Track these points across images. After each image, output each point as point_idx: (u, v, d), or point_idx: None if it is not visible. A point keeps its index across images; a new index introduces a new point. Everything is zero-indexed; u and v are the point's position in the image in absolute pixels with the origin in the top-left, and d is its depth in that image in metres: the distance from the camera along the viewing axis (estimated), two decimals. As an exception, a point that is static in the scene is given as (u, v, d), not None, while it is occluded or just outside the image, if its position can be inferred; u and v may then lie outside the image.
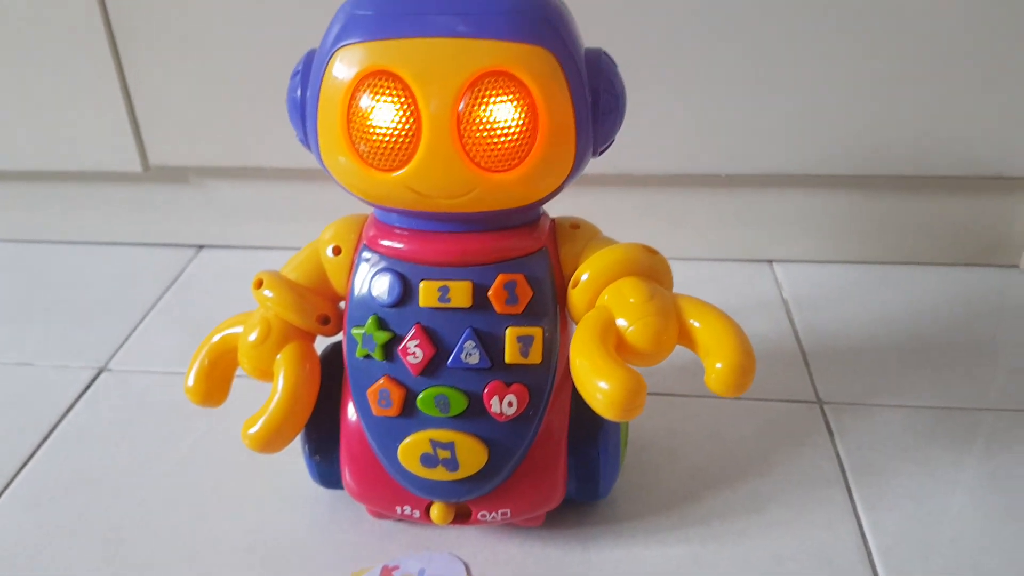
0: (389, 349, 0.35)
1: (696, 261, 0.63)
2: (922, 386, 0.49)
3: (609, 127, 0.34)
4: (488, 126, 0.31)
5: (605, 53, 0.34)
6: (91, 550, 0.41)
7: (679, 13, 0.53)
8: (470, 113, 0.31)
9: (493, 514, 0.37)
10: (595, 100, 0.33)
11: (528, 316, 0.35)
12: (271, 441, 0.36)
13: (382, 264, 0.35)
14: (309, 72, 0.33)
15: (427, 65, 0.30)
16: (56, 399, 0.51)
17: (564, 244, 0.37)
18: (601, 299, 0.34)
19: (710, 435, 0.46)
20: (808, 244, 0.62)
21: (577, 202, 0.60)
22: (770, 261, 0.63)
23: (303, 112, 0.34)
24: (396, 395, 0.35)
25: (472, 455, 0.36)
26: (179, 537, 0.41)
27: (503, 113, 0.31)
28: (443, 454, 0.35)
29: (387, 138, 0.31)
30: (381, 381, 0.35)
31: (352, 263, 0.37)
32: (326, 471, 0.40)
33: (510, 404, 0.35)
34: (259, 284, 0.37)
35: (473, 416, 0.35)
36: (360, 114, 0.31)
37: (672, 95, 0.55)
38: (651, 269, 0.35)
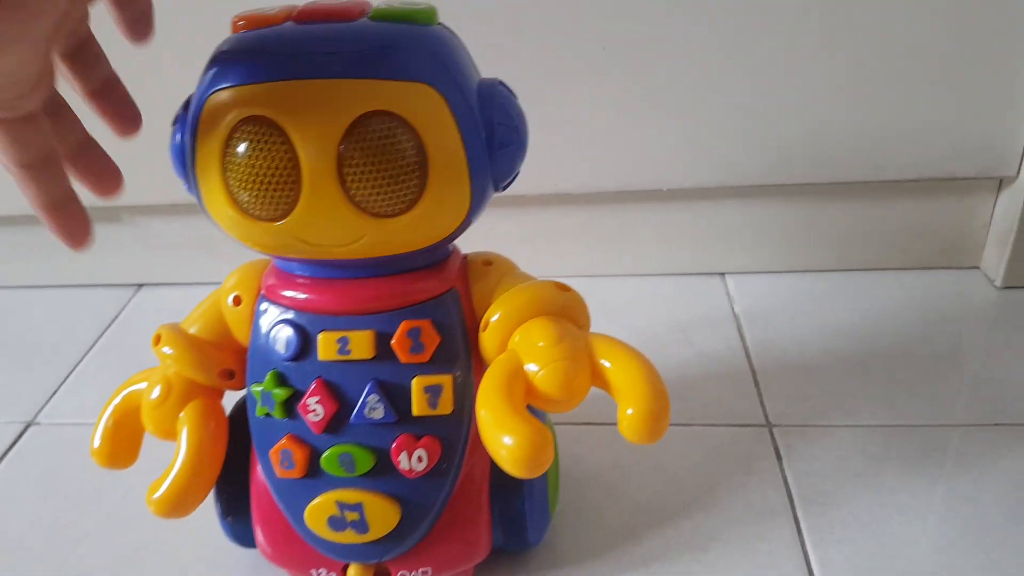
0: (290, 406, 0.33)
1: (646, 277, 0.61)
2: (877, 402, 0.48)
3: (509, 160, 0.32)
4: (372, 171, 0.29)
5: (501, 83, 0.32)
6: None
7: (609, 28, 0.51)
8: (351, 158, 0.29)
9: (414, 573, 0.35)
10: (490, 134, 0.31)
11: (436, 364, 0.33)
12: (177, 505, 0.34)
13: (280, 316, 0.33)
14: (187, 117, 0.31)
15: (303, 109, 0.28)
16: (-22, 459, 0.49)
17: (476, 283, 0.35)
18: (511, 342, 0.32)
19: (654, 467, 0.44)
20: (761, 255, 0.60)
21: (519, 223, 0.58)
22: (722, 274, 0.61)
23: (183, 160, 0.32)
24: (299, 455, 0.33)
25: (383, 515, 0.33)
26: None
27: (387, 156, 0.29)
28: (351, 516, 0.33)
29: (266, 187, 0.29)
30: (283, 441, 0.33)
31: (253, 314, 0.34)
32: (241, 531, 0.38)
33: (420, 459, 0.33)
34: (157, 340, 0.35)
35: (382, 474, 0.33)
36: (236, 162, 0.29)
37: (606, 111, 0.54)
38: (564, 308, 0.33)
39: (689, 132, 0.54)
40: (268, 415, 0.33)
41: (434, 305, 0.33)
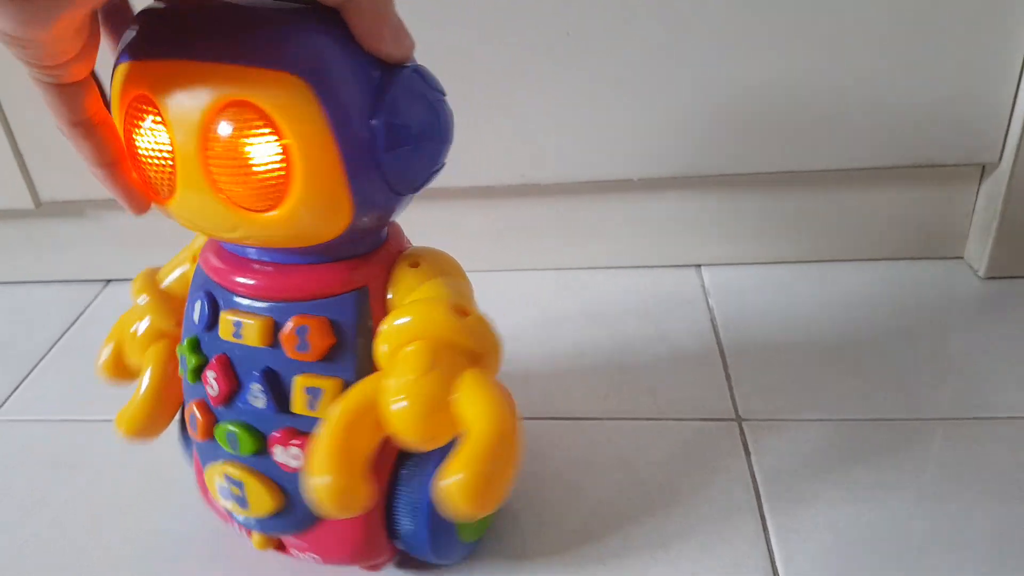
0: (198, 374, 0.33)
1: (620, 270, 0.59)
2: (852, 396, 0.46)
3: (404, 163, 0.29)
4: (229, 164, 0.27)
5: (416, 72, 0.29)
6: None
7: (573, 13, 0.49)
8: (214, 148, 0.27)
9: (304, 555, 0.35)
10: (382, 133, 0.27)
11: (324, 364, 0.31)
12: (143, 426, 0.36)
13: (202, 284, 0.33)
14: None
15: (175, 91, 0.27)
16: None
17: (396, 284, 0.32)
18: (388, 363, 0.30)
19: (619, 463, 0.43)
20: (737, 246, 0.58)
21: (487, 216, 0.57)
22: (698, 266, 0.59)
23: None
24: (201, 421, 0.33)
25: (261, 497, 0.33)
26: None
27: (253, 149, 0.27)
28: (235, 490, 0.34)
29: (151, 165, 0.29)
30: (193, 403, 0.34)
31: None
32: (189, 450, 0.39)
33: (295, 457, 0.32)
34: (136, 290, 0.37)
35: (263, 458, 0.33)
36: (133, 138, 0.29)
37: (574, 100, 0.52)
38: (456, 333, 0.29)
39: (660, 120, 0.52)
40: (187, 377, 0.34)
41: (333, 304, 0.31)
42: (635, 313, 0.55)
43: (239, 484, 0.33)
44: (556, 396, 0.48)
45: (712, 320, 0.53)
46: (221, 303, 0.32)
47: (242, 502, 0.33)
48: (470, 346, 0.29)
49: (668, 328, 0.53)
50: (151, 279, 0.37)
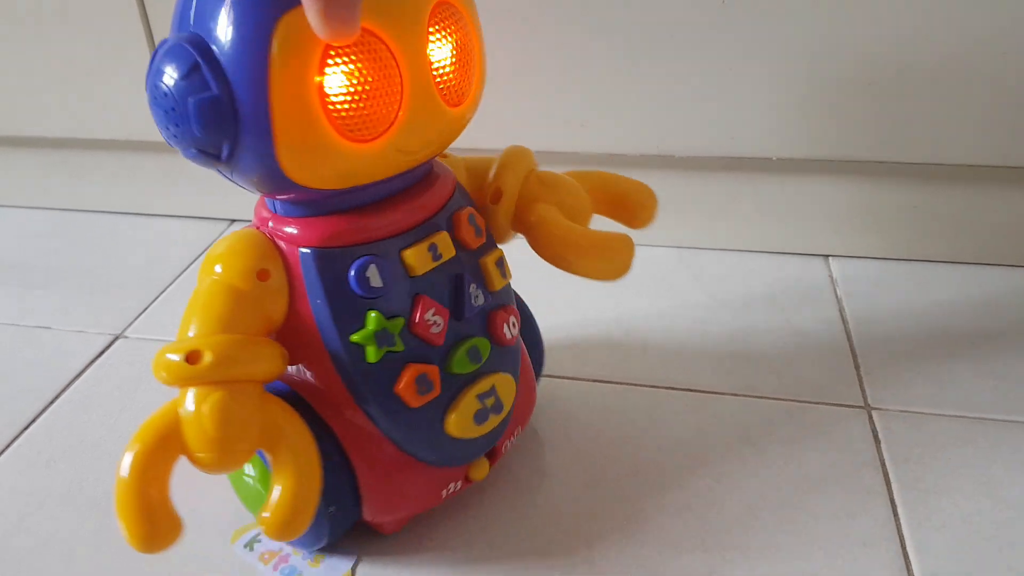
0: (405, 334, 0.32)
1: (743, 253, 0.58)
2: (987, 395, 0.44)
3: None
4: (447, 59, 0.30)
5: None
6: (81, 517, 0.39)
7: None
8: (438, 49, 0.30)
9: (511, 440, 0.38)
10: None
11: (489, 239, 0.36)
12: (294, 524, 0.30)
13: (351, 256, 0.31)
14: (220, 61, 0.26)
15: (390, 11, 0.28)
16: (68, 363, 0.50)
17: (460, 170, 0.38)
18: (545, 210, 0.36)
19: (742, 438, 0.42)
20: (870, 239, 0.57)
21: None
22: (826, 256, 0.58)
23: (233, 113, 0.27)
24: (432, 374, 0.32)
25: (507, 388, 0.36)
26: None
27: (450, 45, 0.30)
28: (489, 401, 0.35)
29: (374, 101, 0.28)
30: (408, 371, 0.32)
31: (288, 280, 0.31)
32: (340, 519, 0.35)
33: (514, 324, 0.36)
34: (197, 358, 0.28)
35: (494, 354, 0.35)
36: (338, 84, 0.27)
37: (720, 70, 0.51)
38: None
39: (806, 98, 0.51)
40: (389, 352, 0.31)
41: (460, 194, 0.35)
42: (759, 296, 0.54)
43: (490, 393, 0.35)
44: (675, 368, 0.48)
45: (840, 310, 0.52)
46: (391, 252, 0.31)
47: (497, 408, 0.35)
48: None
49: (793, 314, 0.52)
50: (220, 336, 0.29)
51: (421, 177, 0.34)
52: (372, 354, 0.31)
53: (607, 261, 0.35)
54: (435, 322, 0.32)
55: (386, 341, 0.31)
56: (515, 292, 0.40)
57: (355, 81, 0.27)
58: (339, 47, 0.27)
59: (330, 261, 0.31)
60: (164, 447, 0.28)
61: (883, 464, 0.40)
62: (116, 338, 0.53)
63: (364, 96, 0.28)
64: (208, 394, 0.28)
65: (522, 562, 0.36)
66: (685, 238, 0.59)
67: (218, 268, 0.31)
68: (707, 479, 0.40)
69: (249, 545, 0.37)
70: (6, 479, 0.42)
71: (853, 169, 0.54)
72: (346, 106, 0.27)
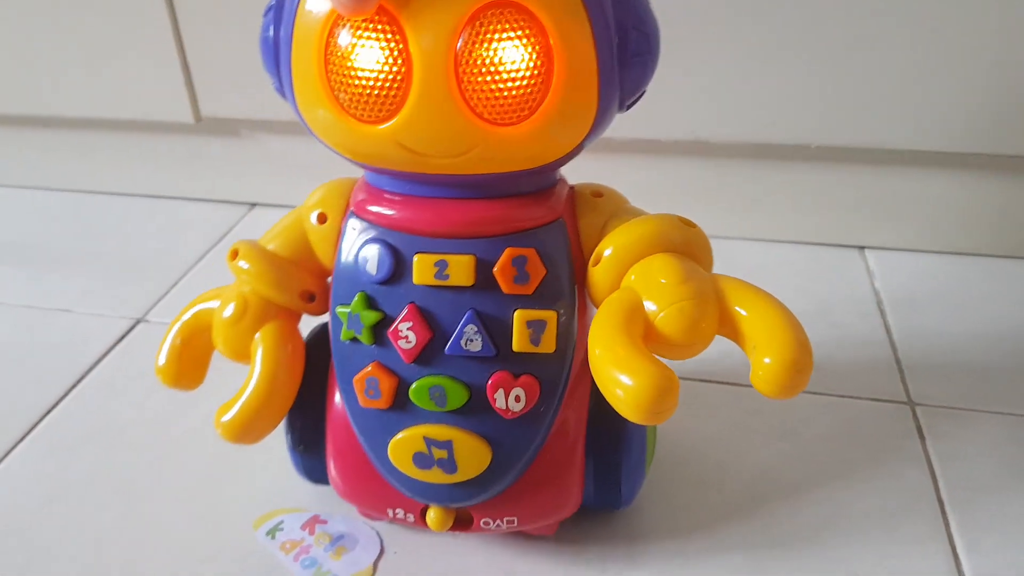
0: (378, 332, 0.30)
1: (776, 243, 0.57)
2: (1035, 394, 0.43)
3: (639, 74, 0.28)
4: (492, 69, 0.26)
5: None
6: (104, 502, 0.39)
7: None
8: (470, 53, 0.26)
9: (498, 522, 0.33)
10: (622, 40, 0.27)
11: (540, 297, 0.30)
12: (246, 430, 0.32)
13: (371, 234, 0.30)
14: (283, 7, 0.28)
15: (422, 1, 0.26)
16: (89, 347, 0.50)
17: (584, 215, 0.31)
18: (627, 280, 0.29)
19: (783, 432, 0.41)
20: (906, 231, 0.55)
21: (644, 171, 0.55)
22: (861, 248, 0.56)
23: (277, 55, 0.29)
24: (385, 384, 0.30)
25: (473, 456, 0.31)
26: (190, 495, 0.39)
27: (510, 53, 0.26)
28: (439, 453, 0.31)
29: (372, 83, 0.26)
30: (369, 368, 0.31)
31: (339, 232, 0.32)
32: (311, 464, 0.36)
33: (518, 399, 0.30)
34: (234, 255, 0.33)
35: (474, 411, 0.30)
36: (339, 54, 0.26)
37: (755, 54, 0.49)
38: (686, 245, 0.30)
39: (846, 85, 0.49)
40: (355, 339, 0.31)
41: (540, 234, 0.30)
42: (794, 288, 0.52)
43: (445, 445, 0.31)
44: (711, 360, 0.46)
45: (879, 303, 0.51)
46: (406, 249, 0.30)
47: (448, 466, 0.31)
48: (697, 255, 0.29)
49: (830, 307, 0.51)
50: (257, 245, 0.33)
51: (503, 195, 0.30)
52: (344, 332, 0.31)
53: (610, 393, 0.27)
54: (407, 336, 0.30)
55: (354, 326, 0.31)
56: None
57: (351, 54, 0.26)
58: (349, 19, 0.26)
59: (354, 229, 0.31)
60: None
61: (929, 461, 0.39)
62: (137, 322, 0.52)
63: (354, 72, 0.27)
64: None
65: (554, 556, 0.35)
66: (717, 227, 0.57)
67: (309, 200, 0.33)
68: (747, 474, 0.39)
69: (271, 533, 0.37)
70: (31, 463, 0.41)
71: (892, 159, 0.52)
72: (340, 76, 0.27)
